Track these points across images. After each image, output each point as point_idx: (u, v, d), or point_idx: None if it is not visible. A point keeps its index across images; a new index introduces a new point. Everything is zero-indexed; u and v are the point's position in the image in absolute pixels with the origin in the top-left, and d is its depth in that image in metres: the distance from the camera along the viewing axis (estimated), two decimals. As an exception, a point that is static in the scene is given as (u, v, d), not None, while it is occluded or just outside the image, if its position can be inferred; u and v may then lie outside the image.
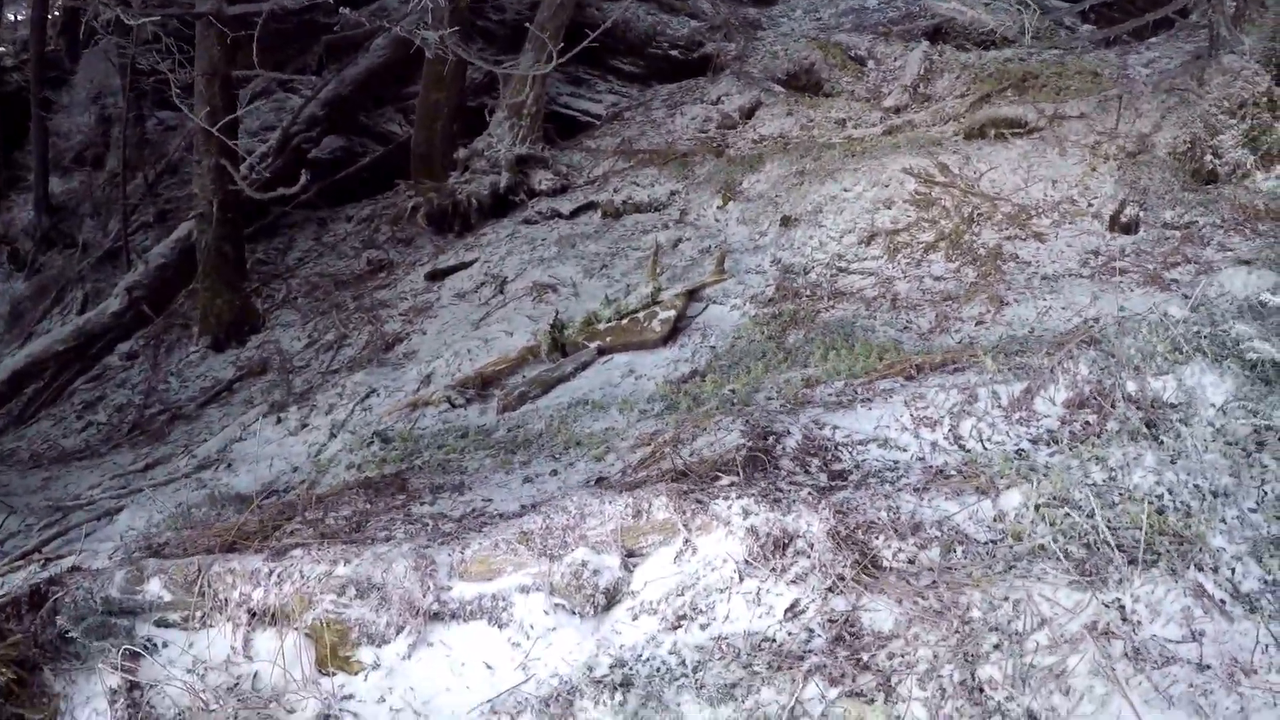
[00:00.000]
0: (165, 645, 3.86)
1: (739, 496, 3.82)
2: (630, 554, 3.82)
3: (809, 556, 3.62)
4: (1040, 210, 8.31)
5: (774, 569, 3.62)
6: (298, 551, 3.85)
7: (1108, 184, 8.34)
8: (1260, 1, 8.76)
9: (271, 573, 3.80)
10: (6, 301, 13.25)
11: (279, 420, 7.80)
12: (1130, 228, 7.97)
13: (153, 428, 9.21)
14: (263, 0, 9.45)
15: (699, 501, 3.81)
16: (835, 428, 4.69)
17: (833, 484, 4.18)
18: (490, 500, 4.73)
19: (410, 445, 6.23)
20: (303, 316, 10.38)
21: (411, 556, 3.72)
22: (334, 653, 3.73)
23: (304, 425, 7.56)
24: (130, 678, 3.69)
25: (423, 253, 10.79)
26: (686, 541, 3.78)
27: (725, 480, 4.04)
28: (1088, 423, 4.27)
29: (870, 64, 12.55)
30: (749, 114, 11.92)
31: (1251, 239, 7.27)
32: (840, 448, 4.54)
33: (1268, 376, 4.24)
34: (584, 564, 3.69)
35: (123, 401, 10.12)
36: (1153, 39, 11.95)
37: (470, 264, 9.85)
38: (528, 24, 11.72)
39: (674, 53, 13.30)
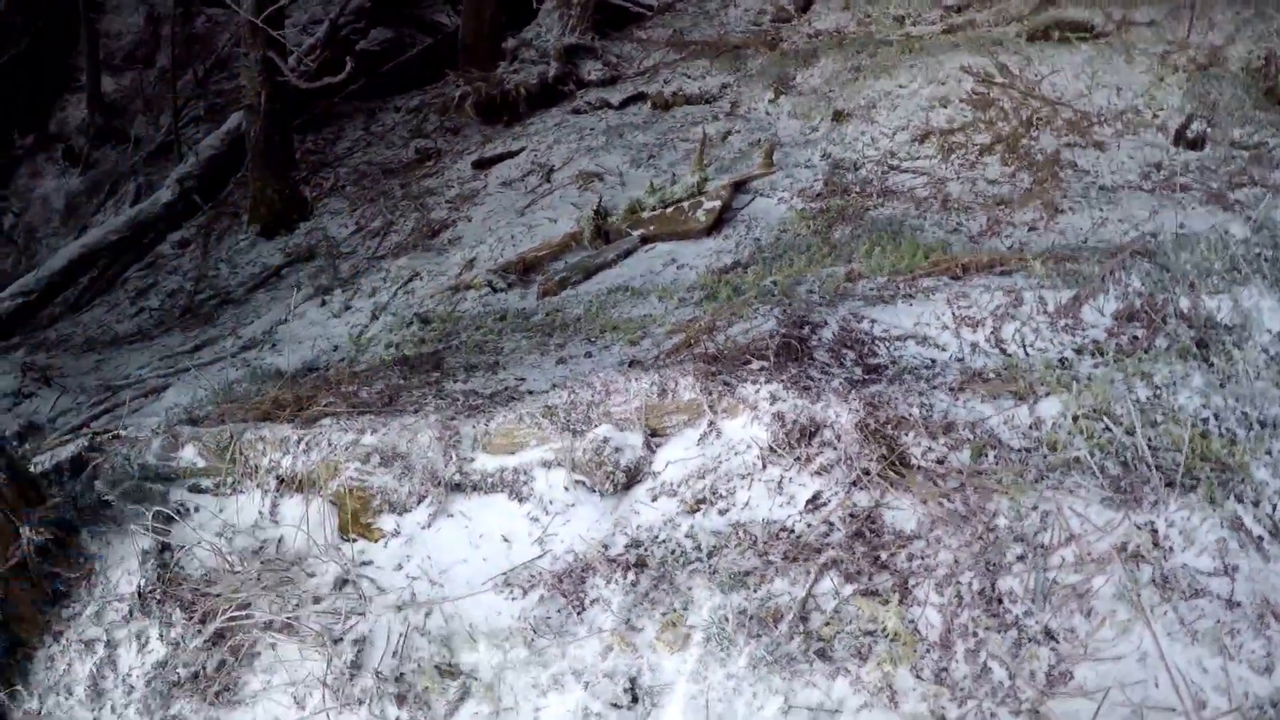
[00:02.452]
0: (197, 510, 3.93)
1: (768, 381, 3.76)
2: (654, 433, 3.79)
3: (835, 448, 3.55)
4: (1103, 118, 8.06)
5: (798, 458, 3.56)
6: (327, 421, 3.89)
7: (1175, 96, 8.06)
8: None
9: (300, 440, 3.84)
10: (62, 197, 13.35)
11: (323, 303, 7.85)
12: (1196, 143, 7.69)
13: (202, 312, 9.30)
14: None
15: (726, 384, 3.75)
16: (874, 321, 4.58)
17: (867, 377, 4.08)
18: (523, 380, 4.73)
19: (449, 326, 6.25)
20: (350, 204, 10.36)
21: (437, 427, 3.74)
22: (356, 519, 3.77)
23: (347, 308, 7.61)
24: (162, 539, 3.76)
25: (470, 142, 10.69)
26: (711, 424, 3.74)
27: (755, 365, 3.97)
28: (1135, 336, 4.11)
29: None
30: (805, 7, 11.63)
31: None
32: (878, 341, 4.42)
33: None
34: (606, 440, 3.68)
35: (174, 288, 10.19)
36: None
37: (517, 153, 9.75)
38: None
39: None
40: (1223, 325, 3.99)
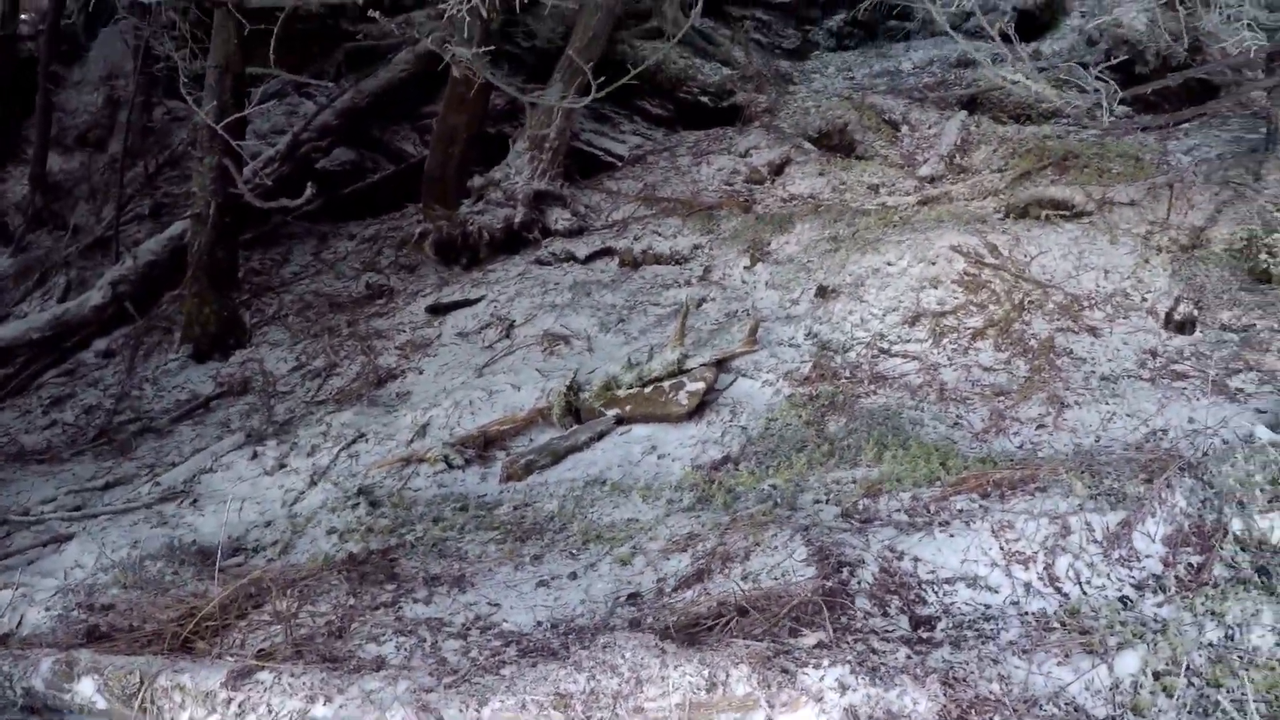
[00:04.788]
0: (95, 768, 3.17)
1: (831, 663, 3.18)
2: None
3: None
4: (1093, 302, 7.83)
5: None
6: (265, 675, 3.14)
7: (1161, 278, 7.86)
8: None
9: (231, 701, 3.08)
10: (-11, 276, 12.70)
11: (255, 455, 7.14)
12: (1185, 327, 7.54)
13: (120, 438, 8.56)
14: (287, -4, 9.00)
15: (785, 671, 3.13)
16: (916, 559, 4.17)
17: (919, 633, 3.63)
18: (498, 605, 4.06)
19: (401, 512, 5.56)
20: (292, 336, 9.72)
21: (411, 703, 2.98)
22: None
23: (281, 465, 6.90)
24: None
25: (426, 283, 10.15)
26: (770, 723, 3.11)
27: (810, 638, 3.37)
28: (1192, 564, 3.83)
29: (904, 129, 12.10)
30: (778, 170, 11.41)
31: None
32: (924, 585, 3.98)
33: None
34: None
35: (92, 403, 9.47)
36: (1185, 124, 11.68)
37: (476, 301, 9.24)
38: (558, 53, 11.19)
39: (704, 99, 12.82)
40: (1275, 547, 3.72)
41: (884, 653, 3.33)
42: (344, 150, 12.70)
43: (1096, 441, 5.97)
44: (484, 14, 7.62)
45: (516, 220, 10.20)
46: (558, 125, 10.78)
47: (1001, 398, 6.68)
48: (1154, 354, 7.12)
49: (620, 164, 11.94)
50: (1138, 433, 5.99)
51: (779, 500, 5.04)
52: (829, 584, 3.76)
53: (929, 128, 12.07)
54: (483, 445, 6.52)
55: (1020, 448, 6.02)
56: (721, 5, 14.63)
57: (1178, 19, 8.16)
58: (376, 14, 7.65)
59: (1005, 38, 10.10)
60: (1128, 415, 6.24)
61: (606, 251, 9.89)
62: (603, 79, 6.97)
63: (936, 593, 3.95)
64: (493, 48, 10.56)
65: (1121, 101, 12.50)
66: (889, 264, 8.39)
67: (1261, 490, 3.88)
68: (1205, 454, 4.94)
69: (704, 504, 5.21)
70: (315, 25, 12.85)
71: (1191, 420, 6.01)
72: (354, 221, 12.02)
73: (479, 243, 10.15)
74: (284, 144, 11.51)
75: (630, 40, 12.47)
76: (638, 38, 12.61)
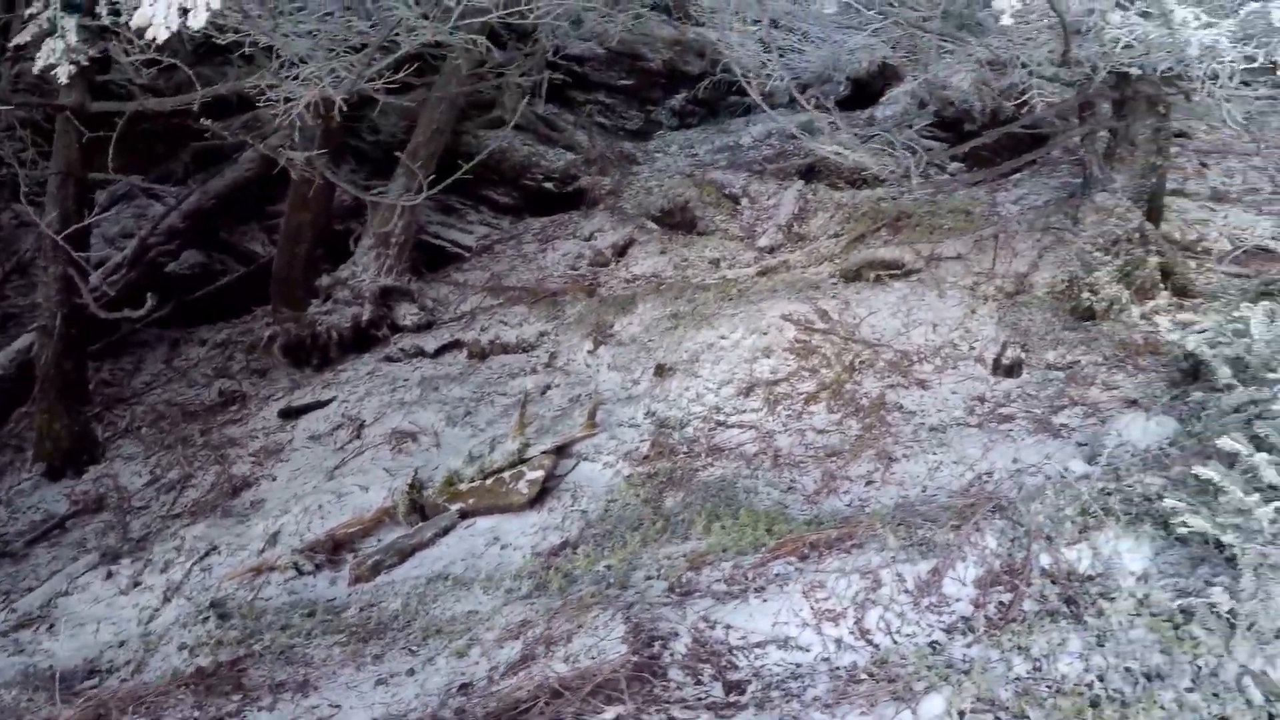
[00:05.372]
0: None
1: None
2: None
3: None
4: (922, 356, 8.23)
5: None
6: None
7: (988, 326, 8.32)
8: (1130, 141, 8.89)
9: (76, 824, 3.33)
10: None
11: (109, 575, 7.21)
12: (1013, 370, 7.92)
13: (-27, 565, 8.50)
14: (127, 100, 9.03)
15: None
16: (728, 627, 4.41)
17: (730, 697, 3.87)
18: (338, 707, 4.34)
19: (251, 623, 5.74)
20: (146, 449, 9.75)
21: None
22: None
23: (136, 583, 6.99)
24: None
25: (278, 386, 10.28)
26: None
27: (610, 713, 3.70)
28: (1002, 603, 4.09)
29: (745, 201, 12.57)
30: (622, 251, 11.80)
31: (1134, 375, 7.29)
32: (736, 651, 4.24)
33: (1185, 537, 4.13)
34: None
35: (-54, 530, 9.34)
36: (1015, 175, 12.21)
37: (327, 403, 9.40)
38: (402, 145, 11.46)
39: (548, 185, 13.17)
40: (1085, 576, 3.99)
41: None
42: (193, 253, 12.63)
43: (923, 492, 6.24)
44: (323, 114, 7.82)
45: (364, 318, 10.38)
46: (403, 221, 11.05)
47: (834, 458, 6.98)
48: (982, 400, 7.50)
49: (468, 254, 12.20)
50: (964, 478, 6.27)
51: (611, 581, 5.29)
52: (638, 659, 4.07)
53: (768, 199, 12.52)
54: (332, 549, 6.70)
55: (849, 506, 6.31)
56: (565, 91, 14.91)
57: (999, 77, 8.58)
58: (209, 122, 7.82)
59: (823, 108, 10.68)
60: (954, 463, 6.54)
61: (455, 344, 10.11)
62: (446, 173, 7.18)
63: (748, 657, 4.20)
64: (332, 147, 10.79)
65: (954, 159, 13.17)
66: (723, 338, 8.75)
67: (1072, 522, 4.19)
68: (1017, 493, 5.21)
69: (540, 590, 5.46)
70: (160, 125, 12.80)
71: (1016, 460, 6.29)
72: (205, 326, 12.00)
73: (329, 343, 10.28)
74: (131, 249, 11.45)
75: (474, 131, 12.78)
76: (482, 128, 12.92)
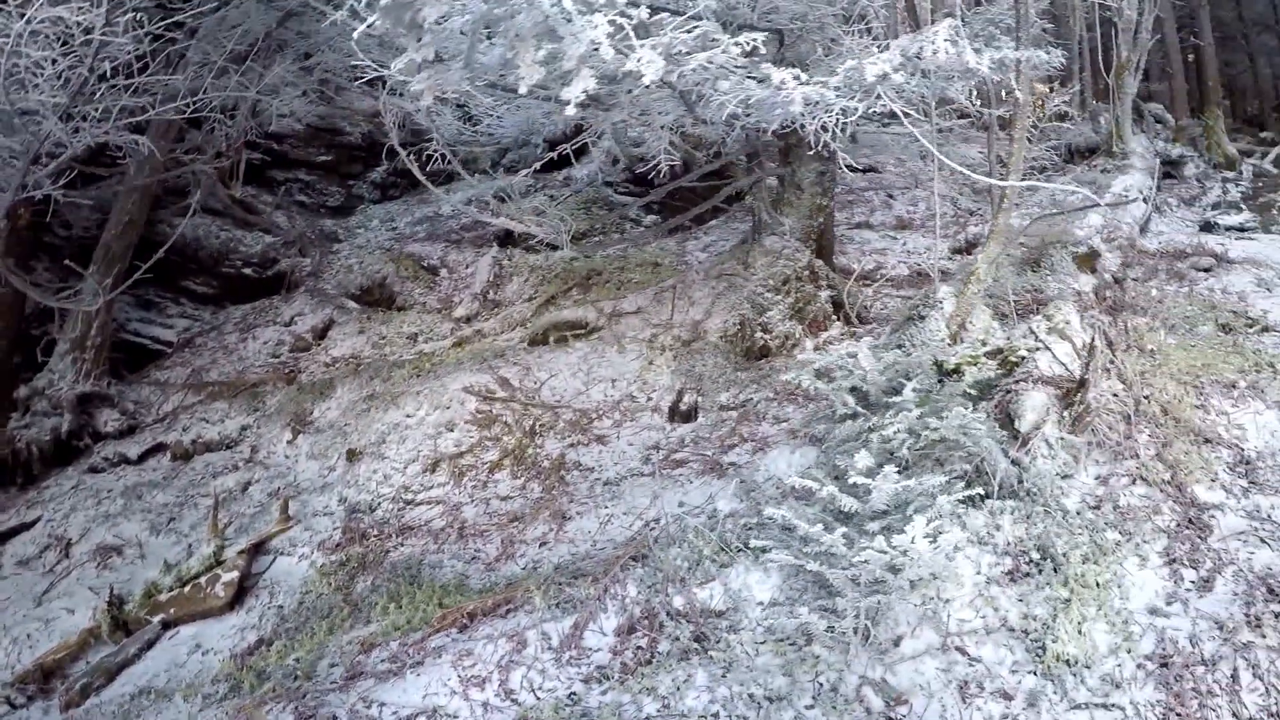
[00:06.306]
0: None
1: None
2: None
3: None
4: (601, 412, 8.65)
5: None
6: None
7: (665, 376, 8.79)
8: (797, 185, 9.38)
9: None
10: None
11: None
12: (689, 415, 8.31)
13: None
14: None
15: None
16: (382, 705, 4.76)
17: None
18: None
19: (-36, 766, 6.06)
20: None
21: None
22: None
23: None
24: None
25: (-18, 510, 10.21)
26: None
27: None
28: (639, 648, 4.38)
29: (443, 272, 13.08)
30: (322, 334, 12.15)
31: (803, 406, 7.69)
32: None
33: (804, 564, 4.29)
34: None
35: None
36: (712, 222, 12.75)
37: (33, 524, 9.38)
38: (96, 238, 11.41)
39: (248, 271, 13.33)
40: (716, 612, 4.30)
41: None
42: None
43: (593, 546, 6.65)
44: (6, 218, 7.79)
45: (64, 429, 10.40)
46: (98, 321, 11.08)
47: (515, 523, 7.39)
48: (657, 448, 7.95)
49: (169, 350, 12.29)
50: (632, 528, 6.65)
51: (299, 673, 5.69)
52: (300, 751, 4.70)
53: (466, 267, 13.06)
54: (42, 678, 6.89)
55: (524, 569, 6.70)
56: (265, 171, 15.04)
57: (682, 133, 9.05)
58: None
59: (487, 174, 11.12)
60: (624, 514, 6.98)
61: (158, 448, 10.25)
62: (137, 264, 7.11)
63: (399, 729, 4.63)
64: (23, 249, 10.56)
65: (648, 210, 13.83)
66: (408, 416, 9.15)
67: (712, 561, 4.50)
68: (657, 540, 5.50)
69: (235, 692, 5.88)
70: None
71: (682, 504, 6.70)
72: (-99, 450, 11.64)
73: (30, 459, 10.26)
74: None
75: (170, 219, 12.73)
76: (178, 215, 12.78)
